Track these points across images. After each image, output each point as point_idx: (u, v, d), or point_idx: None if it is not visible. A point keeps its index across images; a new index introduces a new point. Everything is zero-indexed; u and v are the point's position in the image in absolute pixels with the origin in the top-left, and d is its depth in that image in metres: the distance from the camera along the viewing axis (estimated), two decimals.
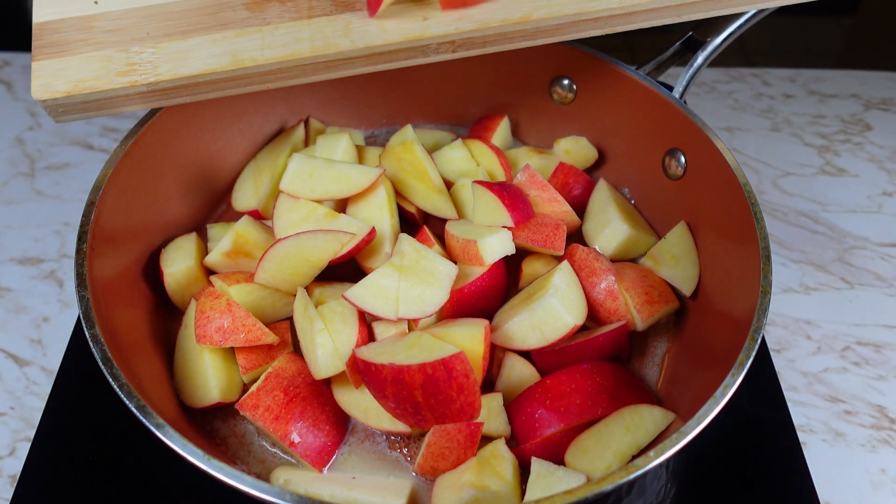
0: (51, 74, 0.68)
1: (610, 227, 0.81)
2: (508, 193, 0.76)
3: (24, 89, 1.18)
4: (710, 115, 1.18)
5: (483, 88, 0.95)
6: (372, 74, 0.72)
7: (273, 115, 0.93)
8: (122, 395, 0.58)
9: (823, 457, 0.80)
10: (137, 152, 0.75)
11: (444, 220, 0.81)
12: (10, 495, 0.71)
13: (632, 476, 0.53)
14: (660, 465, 0.55)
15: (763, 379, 0.82)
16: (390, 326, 0.71)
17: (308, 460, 0.67)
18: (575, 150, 0.92)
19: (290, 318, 0.76)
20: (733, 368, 0.60)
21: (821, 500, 0.72)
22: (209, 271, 0.79)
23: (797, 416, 0.82)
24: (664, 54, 0.88)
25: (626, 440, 0.64)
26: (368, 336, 0.71)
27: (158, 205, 0.80)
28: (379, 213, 0.78)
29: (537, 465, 0.64)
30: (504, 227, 0.75)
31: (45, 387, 0.83)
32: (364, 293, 0.69)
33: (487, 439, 0.67)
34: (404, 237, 0.73)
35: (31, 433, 0.77)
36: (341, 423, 0.70)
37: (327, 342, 0.68)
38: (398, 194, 0.84)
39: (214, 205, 0.89)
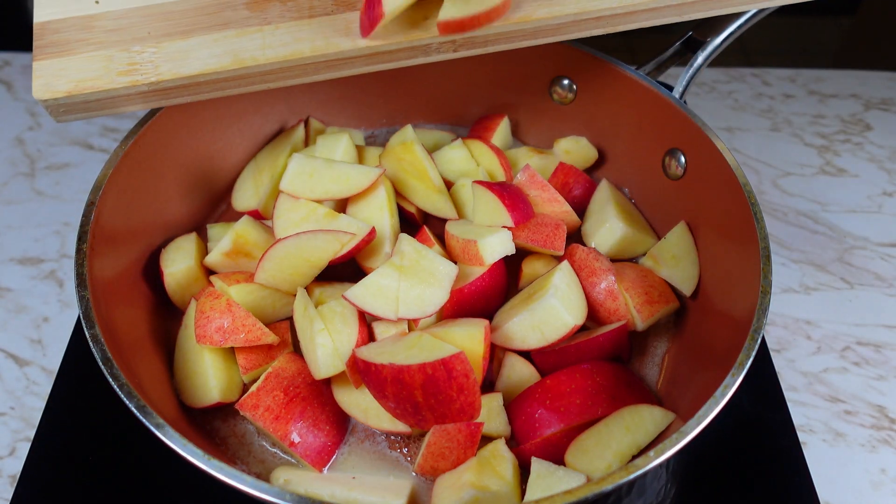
0: (52, 74, 0.68)
1: (606, 226, 0.81)
2: (508, 193, 0.76)
3: (24, 89, 1.18)
4: (710, 115, 1.18)
5: (483, 88, 0.95)
6: (372, 74, 0.72)
7: (273, 115, 0.93)
8: (122, 395, 0.58)
9: (823, 457, 0.80)
10: (137, 152, 0.75)
11: (444, 220, 0.81)
12: (10, 495, 0.71)
13: (632, 476, 0.53)
14: (660, 465, 0.55)
15: (763, 379, 0.82)
16: (390, 326, 0.71)
17: (308, 460, 0.67)
18: (575, 150, 0.92)
19: (290, 318, 0.76)
20: (733, 368, 0.60)
21: (821, 500, 0.72)
22: (209, 271, 0.79)
23: (797, 416, 0.82)
24: (664, 54, 0.88)
25: (626, 440, 0.64)
26: (368, 336, 0.71)
27: (158, 205, 0.80)
28: (379, 213, 0.78)
29: (537, 465, 0.64)
30: (504, 227, 0.75)
31: (45, 387, 0.83)
32: (364, 293, 0.69)
33: (487, 439, 0.67)
34: (404, 237, 0.73)
35: (31, 433, 0.77)
36: (341, 423, 0.70)
37: (327, 342, 0.68)
38: (398, 194, 0.84)
39: (214, 205, 0.89)
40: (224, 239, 0.77)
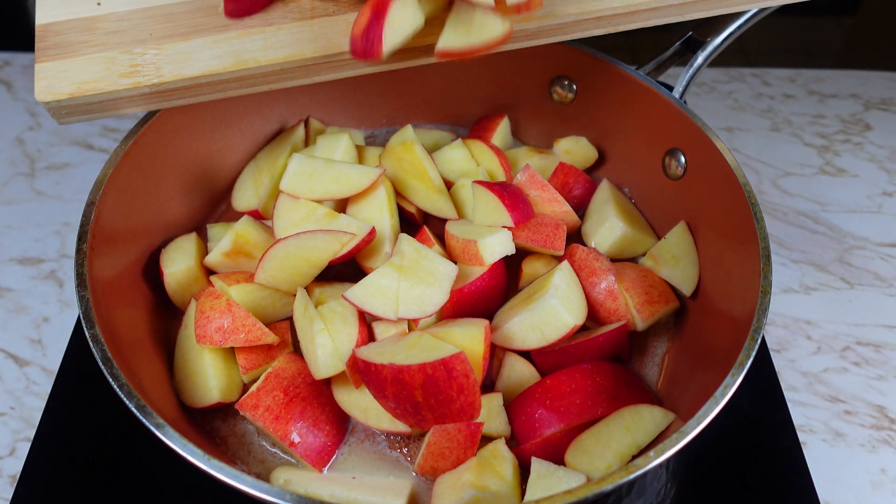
0: (54, 76, 0.68)
1: (606, 225, 0.82)
2: (508, 193, 0.76)
3: (24, 89, 1.18)
4: (710, 115, 1.18)
5: (483, 88, 0.95)
6: (372, 74, 0.72)
7: (273, 115, 0.93)
8: (122, 395, 0.58)
9: (823, 457, 0.80)
10: (137, 152, 0.75)
11: (444, 220, 0.81)
12: (10, 495, 0.71)
13: (632, 476, 0.53)
14: (660, 465, 0.55)
15: (763, 379, 0.82)
16: (390, 326, 0.71)
17: (308, 460, 0.67)
18: (575, 150, 0.92)
19: (290, 318, 0.76)
20: (733, 368, 0.60)
21: (821, 500, 0.72)
22: (209, 271, 0.79)
23: (797, 416, 0.82)
24: (664, 54, 0.88)
25: (626, 440, 0.64)
26: (368, 336, 0.71)
27: (158, 205, 0.80)
28: (379, 213, 0.78)
29: (537, 465, 0.64)
30: (504, 227, 0.75)
31: (45, 387, 0.83)
32: (364, 293, 0.69)
33: (487, 439, 0.67)
34: (404, 237, 0.73)
35: (31, 433, 0.77)
36: (341, 423, 0.70)
37: (327, 342, 0.68)
38: (398, 194, 0.84)
39: (214, 205, 0.89)
40: (224, 239, 0.77)
